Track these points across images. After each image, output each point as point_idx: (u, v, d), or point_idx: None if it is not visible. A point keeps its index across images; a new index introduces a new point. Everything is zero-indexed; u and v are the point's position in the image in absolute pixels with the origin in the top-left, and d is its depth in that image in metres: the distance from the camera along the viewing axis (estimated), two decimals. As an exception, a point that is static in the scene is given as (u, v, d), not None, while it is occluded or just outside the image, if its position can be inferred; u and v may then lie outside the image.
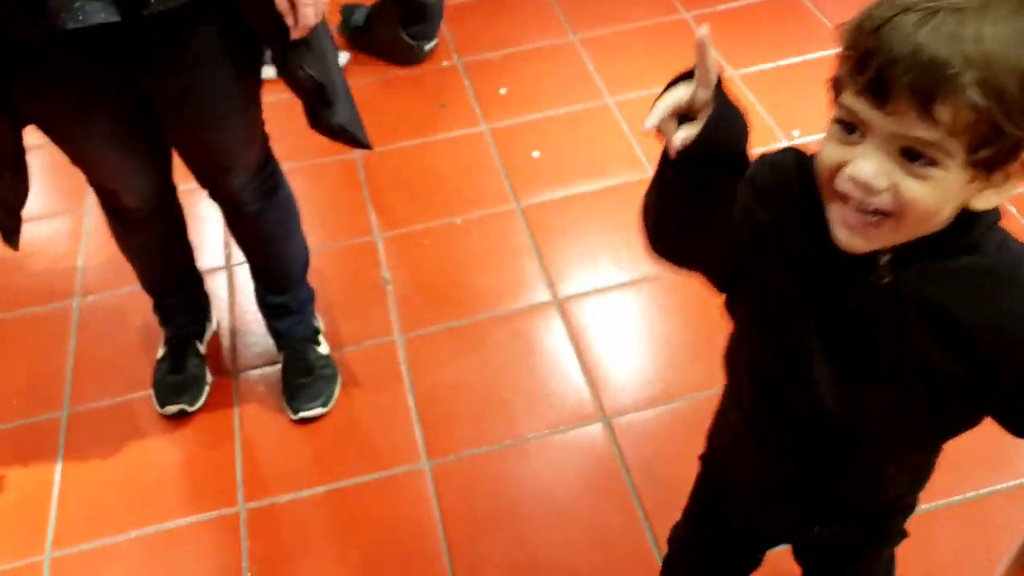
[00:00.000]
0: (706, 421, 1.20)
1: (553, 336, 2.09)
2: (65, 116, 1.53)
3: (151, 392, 2.01)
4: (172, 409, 1.96)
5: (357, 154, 2.57)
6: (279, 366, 2.02)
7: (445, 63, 2.91)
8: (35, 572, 1.76)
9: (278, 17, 1.43)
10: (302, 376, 1.95)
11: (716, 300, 1.01)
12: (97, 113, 1.53)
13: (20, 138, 1.54)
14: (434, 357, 2.06)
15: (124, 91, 1.51)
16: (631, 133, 2.57)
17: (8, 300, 2.31)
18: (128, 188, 1.69)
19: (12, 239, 1.65)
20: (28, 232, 2.53)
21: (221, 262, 2.31)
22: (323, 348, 2.01)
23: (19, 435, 2.00)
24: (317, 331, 2.03)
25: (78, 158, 1.62)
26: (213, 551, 1.78)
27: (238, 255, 2.29)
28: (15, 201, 1.60)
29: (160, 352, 2.04)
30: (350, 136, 1.64)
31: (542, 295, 2.17)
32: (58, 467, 1.93)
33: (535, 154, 2.55)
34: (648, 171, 2.45)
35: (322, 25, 1.50)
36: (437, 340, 2.09)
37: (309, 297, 2.01)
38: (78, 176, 1.66)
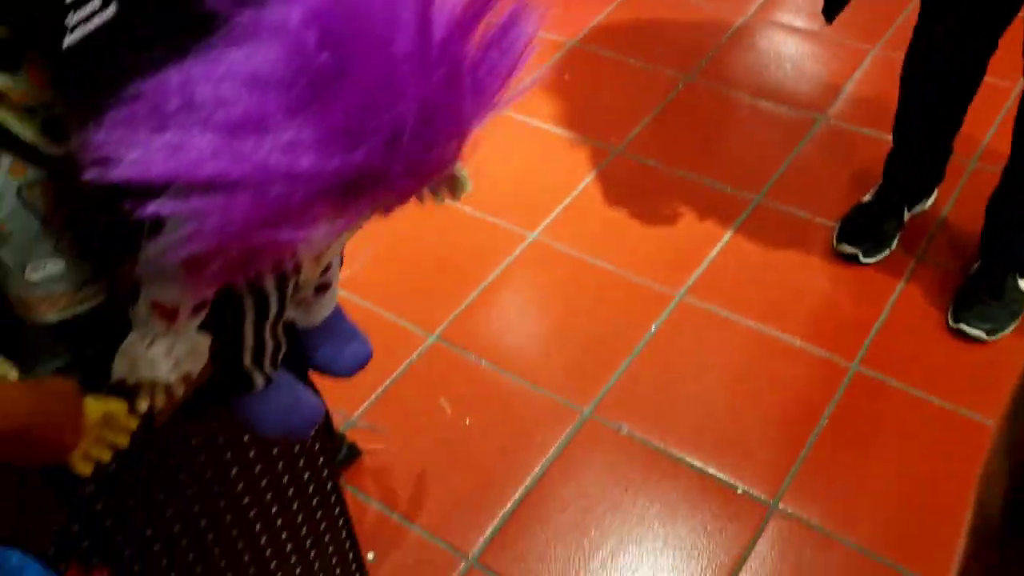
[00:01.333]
0: None
1: None
2: None
3: (836, 225, 2.03)
4: (847, 249, 1.97)
5: None
6: (965, 272, 1.90)
7: None
8: (665, 301, 1.96)
9: None
10: (990, 295, 1.80)
11: None
12: None
13: None
14: None
15: None
16: None
17: (772, 92, 2.45)
18: (956, 39, 1.69)
19: (831, 16, 1.71)
20: (808, 47, 2.65)
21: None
22: (1026, 285, 1.83)
23: (717, 198, 2.18)
24: (1036, 267, 1.84)
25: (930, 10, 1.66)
26: (807, 384, 1.82)
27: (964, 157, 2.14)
28: None
29: (867, 196, 2.03)
30: None
31: None
32: (726, 235, 2.08)
33: None
34: None
35: None
36: None
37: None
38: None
